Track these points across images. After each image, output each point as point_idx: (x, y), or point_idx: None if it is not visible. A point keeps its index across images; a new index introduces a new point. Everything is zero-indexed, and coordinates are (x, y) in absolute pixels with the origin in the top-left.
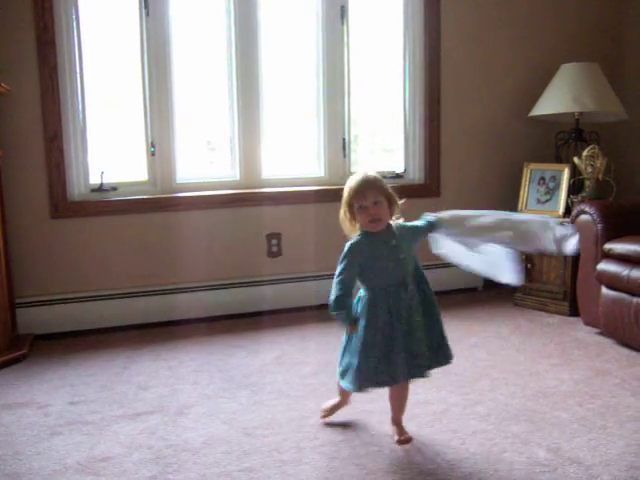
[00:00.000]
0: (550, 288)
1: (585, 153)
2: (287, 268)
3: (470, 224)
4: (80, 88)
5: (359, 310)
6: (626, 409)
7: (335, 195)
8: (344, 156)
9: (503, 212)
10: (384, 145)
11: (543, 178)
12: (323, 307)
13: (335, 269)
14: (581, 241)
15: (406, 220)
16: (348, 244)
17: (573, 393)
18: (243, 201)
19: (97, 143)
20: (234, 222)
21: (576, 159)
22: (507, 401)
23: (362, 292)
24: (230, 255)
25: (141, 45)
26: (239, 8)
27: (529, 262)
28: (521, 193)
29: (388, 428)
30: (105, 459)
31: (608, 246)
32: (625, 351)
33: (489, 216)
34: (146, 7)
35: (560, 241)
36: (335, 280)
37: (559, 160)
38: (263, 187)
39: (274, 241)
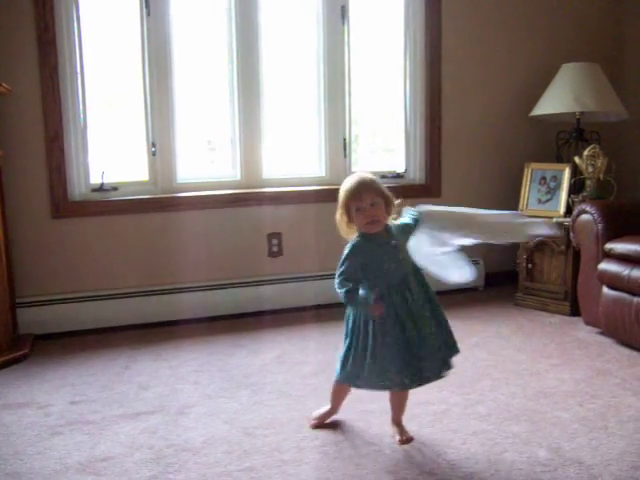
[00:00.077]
0: (551, 288)
1: (586, 153)
2: (288, 268)
3: (446, 218)
4: (81, 88)
5: (356, 315)
6: (627, 409)
7: (336, 195)
8: (345, 156)
9: (473, 209)
10: (385, 145)
11: (544, 178)
12: (323, 307)
13: (335, 269)
14: (582, 241)
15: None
16: (349, 245)
17: (574, 393)
18: (244, 201)
19: (98, 143)
20: (235, 222)
21: (577, 159)
22: (508, 401)
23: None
24: (231, 255)
25: (142, 45)
26: (240, 8)
27: (530, 262)
28: (522, 193)
29: (388, 428)
30: (106, 459)
31: (609, 246)
32: (626, 351)
33: (461, 212)
34: (147, 7)
35: (530, 226)
36: (338, 280)
37: (560, 160)
38: (264, 187)
39: (275, 241)
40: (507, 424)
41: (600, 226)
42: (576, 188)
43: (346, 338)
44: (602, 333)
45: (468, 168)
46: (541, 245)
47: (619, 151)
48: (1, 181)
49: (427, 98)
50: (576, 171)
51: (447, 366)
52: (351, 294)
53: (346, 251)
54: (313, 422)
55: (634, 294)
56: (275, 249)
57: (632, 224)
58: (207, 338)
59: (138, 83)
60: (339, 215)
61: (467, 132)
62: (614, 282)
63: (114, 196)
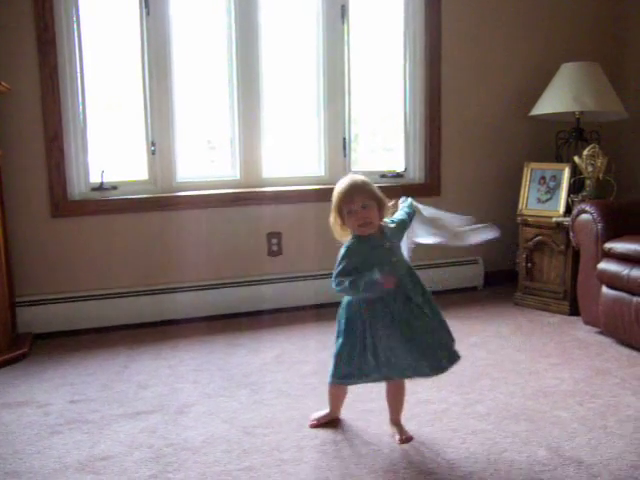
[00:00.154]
0: (550, 287)
1: (585, 152)
2: (287, 267)
3: (424, 214)
4: (80, 87)
5: (350, 312)
6: (626, 408)
7: None
8: (344, 155)
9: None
10: (384, 144)
11: (544, 177)
12: (323, 306)
13: (334, 268)
14: (581, 240)
15: None
16: (344, 247)
17: (573, 392)
18: (243, 200)
19: (97, 142)
20: (234, 221)
21: (576, 158)
22: (507, 400)
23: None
24: (230, 254)
25: (141, 44)
26: (239, 7)
27: (529, 262)
28: (521, 192)
29: (388, 428)
30: (105, 458)
31: (608, 245)
32: (625, 350)
33: (433, 212)
34: (146, 7)
35: (468, 234)
36: (336, 281)
37: (559, 159)
38: (263, 186)
39: (274, 240)
40: (506, 423)
41: (600, 226)
42: (576, 188)
43: (338, 337)
44: (601, 333)
45: (468, 168)
46: (541, 245)
47: (619, 151)
48: (1, 180)
49: (427, 97)
50: (576, 171)
51: (449, 361)
52: (354, 283)
53: (341, 253)
54: (312, 422)
55: (633, 294)
56: (275, 248)
57: (632, 224)
58: (206, 337)
59: (138, 82)
60: (332, 218)
61: (467, 132)
62: (614, 282)
63: (114, 195)
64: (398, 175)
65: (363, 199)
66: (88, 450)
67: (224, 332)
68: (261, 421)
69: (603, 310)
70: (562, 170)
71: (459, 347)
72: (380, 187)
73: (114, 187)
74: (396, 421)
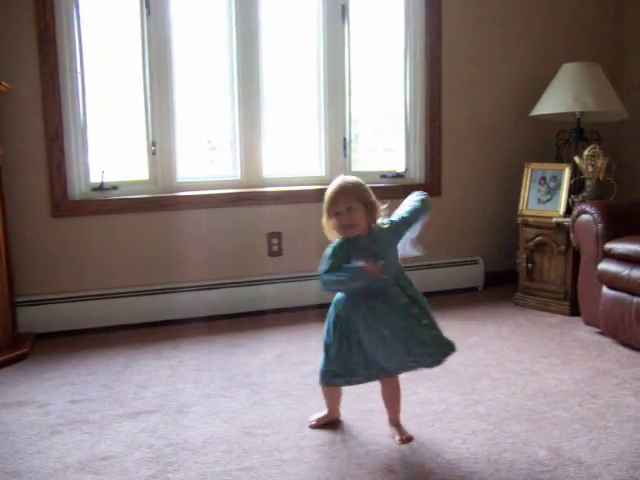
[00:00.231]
0: (551, 288)
1: (586, 153)
2: (288, 267)
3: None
4: (81, 87)
5: (338, 311)
6: (627, 409)
7: None
8: (345, 155)
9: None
10: (385, 144)
11: (544, 178)
12: (324, 306)
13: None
14: (582, 241)
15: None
16: (330, 247)
17: (574, 393)
18: (244, 200)
19: (98, 142)
20: (235, 221)
21: (577, 159)
22: (507, 401)
23: (339, 296)
24: (231, 254)
25: (142, 44)
26: (240, 7)
27: (529, 262)
28: (522, 193)
29: (387, 428)
30: (105, 458)
31: (609, 246)
32: (626, 351)
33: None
34: (147, 6)
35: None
36: (324, 278)
37: (560, 160)
38: (264, 186)
39: (275, 240)
40: (507, 424)
41: (600, 226)
42: (576, 188)
43: (325, 335)
44: (602, 333)
45: (468, 168)
46: (541, 245)
47: (619, 151)
48: (1, 180)
49: (427, 97)
50: (576, 171)
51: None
52: (340, 277)
53: (327, 253)
54: (311, 423)
55: (634, 294)
56: (275, 248)
57: (632, 224)
58: (207, 337)
59: (138, 82)
60: (324, 219)
61: (467, 132)
62: (614, 282)
63: (114, 195)
64: (398, 175)
65: (348, 201)
66: (88, 450)
67: (224, 332)
68: (261, 421)
69: (603, 310)
70: (562, 170)
71: (460, 347)
72: (380, 187)
73: (114, 187)
74: (395, 421)
